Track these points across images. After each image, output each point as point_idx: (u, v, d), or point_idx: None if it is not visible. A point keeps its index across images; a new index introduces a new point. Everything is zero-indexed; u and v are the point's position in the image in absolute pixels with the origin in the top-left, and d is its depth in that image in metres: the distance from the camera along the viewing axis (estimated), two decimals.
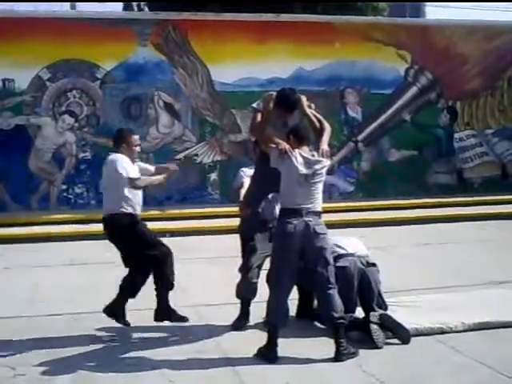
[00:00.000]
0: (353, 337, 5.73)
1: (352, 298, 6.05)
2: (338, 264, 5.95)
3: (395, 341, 5.78)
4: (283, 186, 5.58)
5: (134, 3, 20.55)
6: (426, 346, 5.72)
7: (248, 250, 6.22)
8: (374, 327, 5.75)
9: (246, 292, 6.25)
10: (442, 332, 6.02)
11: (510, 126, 15.33)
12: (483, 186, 14.93)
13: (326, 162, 5.63)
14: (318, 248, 5.49)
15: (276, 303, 5.52)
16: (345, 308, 5.68)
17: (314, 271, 5.51)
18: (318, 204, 5.57)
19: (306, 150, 5.66)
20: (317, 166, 5.55)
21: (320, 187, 5.59)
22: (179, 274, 6.77)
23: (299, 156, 5.55)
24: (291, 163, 5.51)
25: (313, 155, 5.60)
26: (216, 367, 5.29)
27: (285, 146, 5.55)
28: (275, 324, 5.50)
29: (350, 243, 6.36)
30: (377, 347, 5.63)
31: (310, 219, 5.46)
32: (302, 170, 5.48)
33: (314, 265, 5.50)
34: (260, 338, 5.59)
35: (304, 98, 5.98)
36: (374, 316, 5.85)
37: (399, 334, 5.83)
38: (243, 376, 5.12)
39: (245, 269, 6.22)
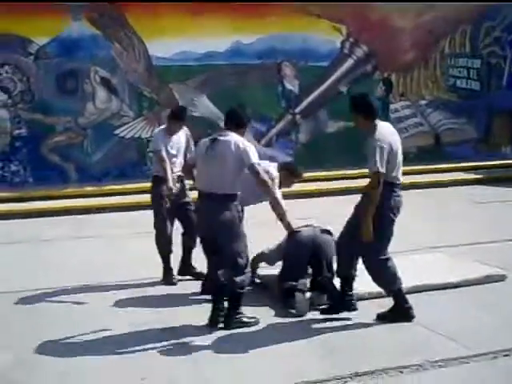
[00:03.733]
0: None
1: (301, 264, 6.18)
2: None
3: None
4: None
5: None
6: (366, 310, 5.91)
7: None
8: (298, 296, 5.87)
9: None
10: (381, 296, 6.22)
11: (442, 97, 15.70)
12: (418, 155, 15.26)
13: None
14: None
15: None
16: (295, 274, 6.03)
17: None
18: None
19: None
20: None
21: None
22: (119, 250, 6.84)
23: None
24: None
25: None
26: (162, 340, 5.37)
27: None
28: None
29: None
30: (300, 315, 5.77)
31: None
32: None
33: None
34: (205, 310, 5.69)
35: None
36: (302, 284, 5.97)
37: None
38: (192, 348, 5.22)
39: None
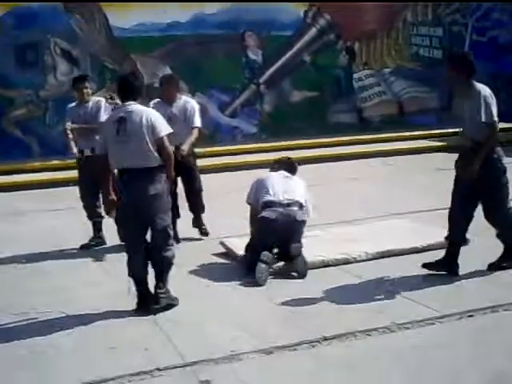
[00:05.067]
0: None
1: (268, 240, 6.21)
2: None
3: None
4: None
5: None
6: (333, 276, 5.99)
7: None
8: (260, 266, 5.95)
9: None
10: (347, 262, 6.31)
11: (405, 65, 15.78)
12: (382, 124, 15.36)
13: None
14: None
15: None
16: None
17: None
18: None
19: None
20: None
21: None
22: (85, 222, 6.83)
23: None
24: None
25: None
26: (131, 309, 5.38)
27: None
28: None
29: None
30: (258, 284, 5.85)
31: None
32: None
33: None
34: (174, 278, 5.71)
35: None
36: (264, 255, 6.03)
37: (297, 265, 6.09)
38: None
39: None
